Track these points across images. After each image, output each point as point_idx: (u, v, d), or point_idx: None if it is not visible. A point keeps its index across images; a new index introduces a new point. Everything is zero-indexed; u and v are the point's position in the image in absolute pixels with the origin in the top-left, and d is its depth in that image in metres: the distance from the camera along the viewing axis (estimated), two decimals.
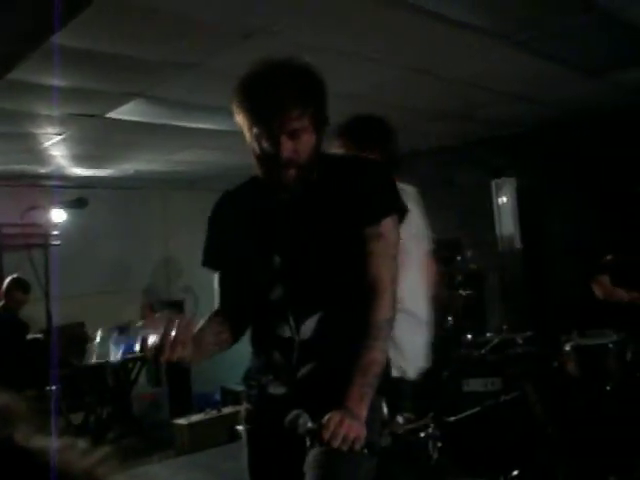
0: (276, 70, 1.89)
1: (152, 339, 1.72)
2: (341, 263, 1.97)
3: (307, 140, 1.91)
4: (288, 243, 2.01)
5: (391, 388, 2.13)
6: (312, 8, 3.36)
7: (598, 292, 4.47)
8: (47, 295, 3.12)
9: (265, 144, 1.89)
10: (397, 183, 2.08)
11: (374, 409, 1.95)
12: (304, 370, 1.97)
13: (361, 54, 4.08)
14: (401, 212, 2.03)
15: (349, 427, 1.75)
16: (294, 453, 1.90)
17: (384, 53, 4.11)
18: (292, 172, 1.91)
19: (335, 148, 2.82)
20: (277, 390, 2.02)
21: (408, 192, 3.01)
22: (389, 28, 3.69)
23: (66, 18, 2.84)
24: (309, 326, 1.96)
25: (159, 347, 1.72)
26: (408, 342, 3.29)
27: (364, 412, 1.82)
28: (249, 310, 2.09)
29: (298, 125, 1.87)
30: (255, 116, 1.89)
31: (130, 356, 6.77)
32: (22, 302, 5.66)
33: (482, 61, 4.36)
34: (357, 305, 1.96)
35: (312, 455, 1.88)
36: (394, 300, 1.96)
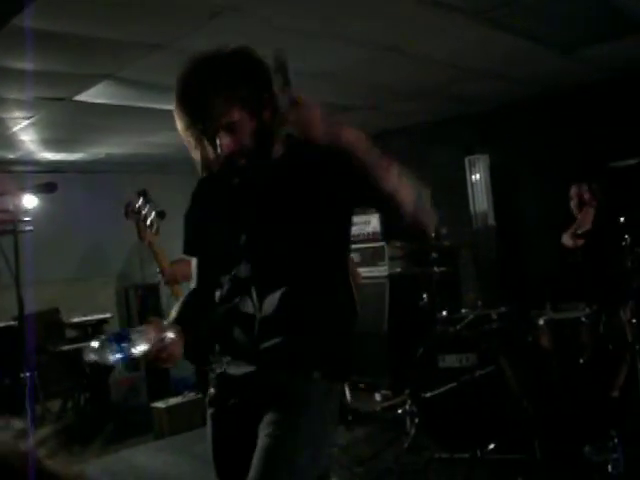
0: (199, 68, 1.89)
1: (142, 347, 1.79)
2: (304, 238, 1.96)
3: (247, 128, 1.88)
4: (252, 221, 2.02)
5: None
6: None
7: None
8: (17, 281, 3.08)
9: (205, 146, 1.88)
10: None
11: (331, 397, 1.98)
12: (265, 345, 1.96)
13: (331, 33, 4.05)
14: None
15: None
16: (254, 434, 1.92)
17: (354, 31, 4.08)
18: (241, 161, 1.91)
19: None
20: (237, 370, 2.03)
21: None
22: (359, 6, 3.67)
23: None
24: (271, 302, 1.95)
25: (151, 360, 1.83)
26: None
27: (358, 141, 1.84)
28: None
29: (229, 118, 1.85)
30: (188, 119, 1.87)
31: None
32: None
33: (453, 38, 4.35)
34: (320, 281, 1.98)
35: (266, 420, 1.90)
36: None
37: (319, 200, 1.95)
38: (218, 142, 1.86)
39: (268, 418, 1.92)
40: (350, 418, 5.07)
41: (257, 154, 1.93)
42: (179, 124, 1.90)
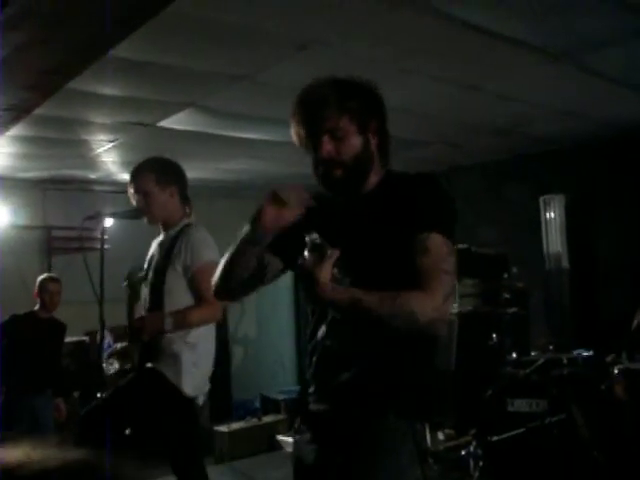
0: (319, 83, 1.98)
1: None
2: (383, 272, 1.92)
3: (351, 142, 1.94)
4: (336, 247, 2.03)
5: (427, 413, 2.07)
6: (366, 22, 3.37)
7: None
8: (101, 298, 3.17)
9: (311, 149, 1.96)
10: None
11: (405, 432, 1.91)
12: (339, 380, 1.94)
13: (413, 69, 4.08)
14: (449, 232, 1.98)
15: (316, 272, 1.78)
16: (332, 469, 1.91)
17: (435, 68, 4.10)
18: (338, 172, 1.95)
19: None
20: (316, 407, 2.02)
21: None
22: (440, 43, 3.69)
23: (126, 31, 2.89)
24: (345, 335, 1.94)
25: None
26: (207, 360, 3.31)
27: (331, 293, 1.80)
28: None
29: (336, 124, 1.92)
30: (301, 122, 1.97)
31: None
32: (55, 292, 5.54)
33: (531, 77, 4.32)
34: None
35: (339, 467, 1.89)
36: (440, 312, 1.84)
37: (403, 236, 1.94)
38: (321, 146, 1.93)
39: (341, 465, 1.90)
40: (431, 461, 4.96)
41: (354, 173, 1.97)
42: (293, 131, 2.00)
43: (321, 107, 1.93)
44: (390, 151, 2.06)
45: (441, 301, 1.82)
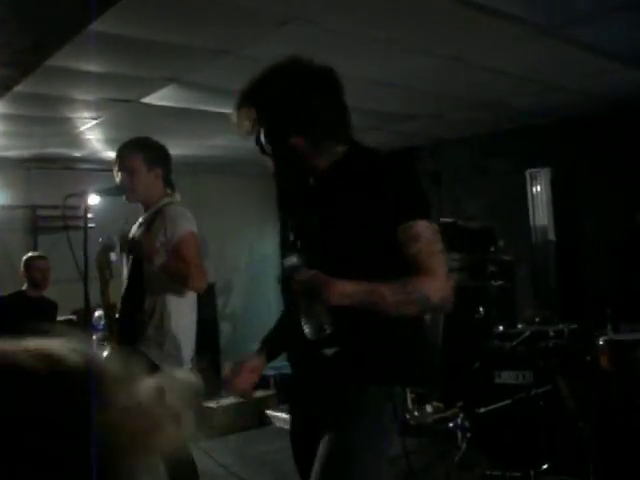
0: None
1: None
2: (358, 254, 1.96)
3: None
4: (303, 227, 2.12)
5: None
6: None
7: None
8: (86, 276, 3.16)
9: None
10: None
11: (383, 394, 1.96)
12: (321, 354, 2.01)
13: (395, 42, 4.04)
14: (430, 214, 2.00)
15: (320, 283, 1.83)
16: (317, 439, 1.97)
17: (418, 41, 4.07)
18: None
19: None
20: (298, 376, 2.17)
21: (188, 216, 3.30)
22: (423, 16, 3.65)
23: (104, 6, 2.85)
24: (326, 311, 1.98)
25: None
26: (188, 343, 3.34)
27: (342, 296, 1.85)
28: None
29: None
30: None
31: None
32: (46, 269, 5.53)
33: (516, 50, 4.29)
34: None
35: (321, 447, 1.94)
36: (446, 291, 1.92)
37: (363, 215, 1.96)
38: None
39: (325, 431, 1.95)
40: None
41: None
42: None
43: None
44: (334, 125, 2.03)
45: (445, 280, 1.92)
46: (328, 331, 1.95)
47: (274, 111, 1.99)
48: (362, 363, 1.97)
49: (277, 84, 2.00)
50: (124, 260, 3.39)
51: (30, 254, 5.66)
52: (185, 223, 3.22)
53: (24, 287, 5.43)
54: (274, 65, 2.02)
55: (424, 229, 1.91)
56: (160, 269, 3.14)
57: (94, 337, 3.60)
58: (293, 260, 1.94)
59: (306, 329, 2.03)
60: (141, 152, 3.31)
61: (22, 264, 5.47)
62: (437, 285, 1.88)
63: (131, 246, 3.28)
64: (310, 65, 2.01)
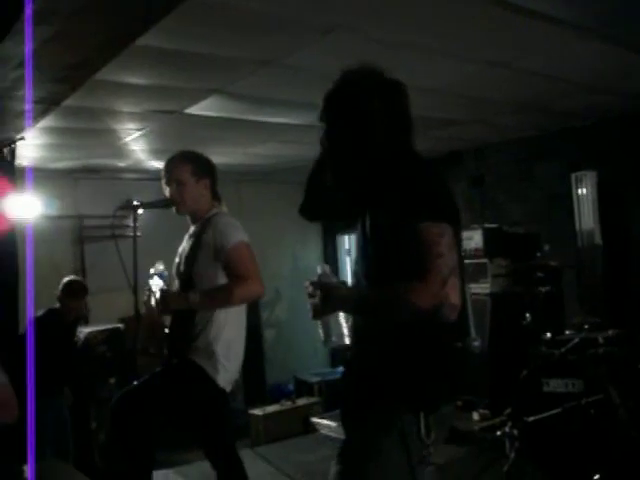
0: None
1: None
2: (386, 257, 1.98)
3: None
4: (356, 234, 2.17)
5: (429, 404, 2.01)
6: (391, 4, 3.32)
7: None
8: (135, 285, 3.21)
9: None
10: None
11: (390, 422, 1.94)
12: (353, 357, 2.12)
13: (440, 49, 4.03)
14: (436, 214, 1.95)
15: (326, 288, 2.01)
16: None
17: (463, 47, 4.04)
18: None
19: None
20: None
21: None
22: (468, 22, 3.63)
23: (150, 21, 2.89)
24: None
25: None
26: (238, 355, 3.33)
27: (337, 301, 2.02)
28: None
29: None
30: None
31: None
32: (76, 309, 5.30)
33: (562, 53, 4.24)
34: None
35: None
36: (438, 298, 1.84)
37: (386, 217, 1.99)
38: None
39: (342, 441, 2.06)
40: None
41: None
42: None
43: None
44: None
45: (438, 287, 1.83)
46: (334, 339, 2.07)
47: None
48: (371, 385, 1.98)
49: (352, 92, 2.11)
50: (174, 271, 3.43)
51: (66, 285, 5.32)
52: (235, 232, 3.23)
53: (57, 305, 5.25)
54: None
55: (426, 230, 1.87)
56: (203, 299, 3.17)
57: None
58: (325, 268, 2.12)
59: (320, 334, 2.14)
60: (189, 164, 3.35)
61: (59, 289, 5.27)
62: (426, 292, 1.82)
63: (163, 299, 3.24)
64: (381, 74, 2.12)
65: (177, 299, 3.21)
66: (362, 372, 2.01)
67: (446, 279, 1.84)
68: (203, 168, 3.39)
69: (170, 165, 3.39)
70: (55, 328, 5.13)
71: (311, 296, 2.03)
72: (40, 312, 5.17)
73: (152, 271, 3.33)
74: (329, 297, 1.99)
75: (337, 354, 8.13)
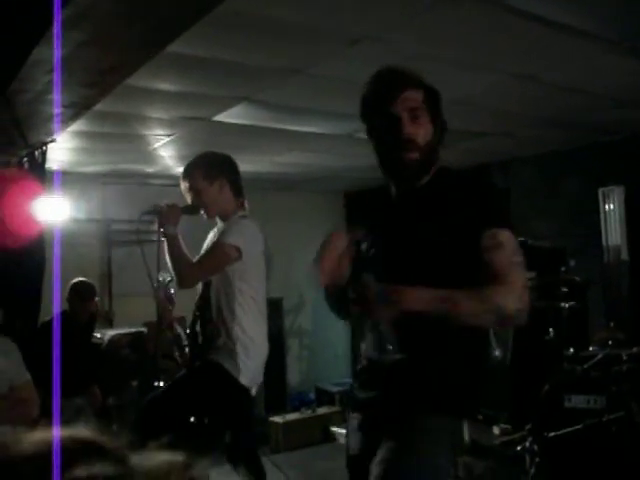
0: (394, 70, 2.05)
1: None
2: (431, 269, 1.94)
3: (425, 125, 1.98)
4: (391, 244, 2.06)
5: (474, 410, 2.04)
6: (419, 15, 3.34)
7: None
8: (157, 292, 3.25)
9: (387, 126, 1.96)
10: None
11: (445, 430, 1.92)
12: (390, 374, 1.99)
13: (466, 61, 4.03)
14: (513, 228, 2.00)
15: (391, 289, 1.83)
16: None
17: (488, 60, 4.04)
18: (413, 155, 1.97)
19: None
20: (365, 394, 2.09)
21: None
22: (494, 35, 3.63)
23: (180, 29, 2.93)
24: (403, 328, 1.95)
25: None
26: (259, 354, 3.33)
27: (417, 302, 1.84)
28: None
29: (416, 103, 1.95)
30: (377, 101, 2.00)
31: None
32: (84, 311, 5.32)
33: (588, 66, 4.22)
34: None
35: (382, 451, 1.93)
36: (523, 302, 1.86)
37: (451, 235, 1.94)
38: (403, 125, 1.94)
39: (383, 449, 1.94)
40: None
41: (426, 159, 2.01)
42: (364, 111, 2.06)
43: (400, 85, 1.97)
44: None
45: (522, 292, 1.87)
46: (391, 350, 1.93)
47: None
48: (427, 394, 1.94)
49: None
50: None
51: (73, 287, 5.35)
52: (234, 234, 3.25)
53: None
54: None
55: (508, 239, 1.92)
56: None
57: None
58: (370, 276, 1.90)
59: (364, 346, 2.02)
60: (198, 169, 3.39)
61: (67, 291, 5.27)
62: (514, 295, 1.85)
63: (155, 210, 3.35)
64: None
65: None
66: (410, 380, 1.96)
67: (525, 286, 1.89)
68: (214, 169, 3.41)
69: (184, 175, 3.45)
70: (65, 331, 5.15)
71: (362, 298, 1.88)
72: (48, 317, 5.14)
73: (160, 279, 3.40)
74: (401, 295, 1.84)
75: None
